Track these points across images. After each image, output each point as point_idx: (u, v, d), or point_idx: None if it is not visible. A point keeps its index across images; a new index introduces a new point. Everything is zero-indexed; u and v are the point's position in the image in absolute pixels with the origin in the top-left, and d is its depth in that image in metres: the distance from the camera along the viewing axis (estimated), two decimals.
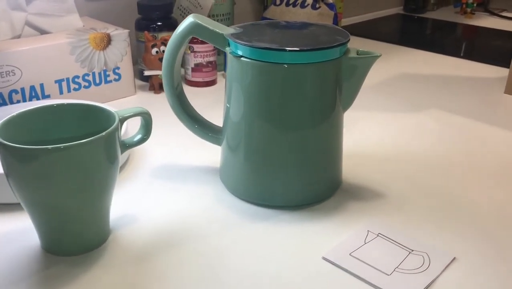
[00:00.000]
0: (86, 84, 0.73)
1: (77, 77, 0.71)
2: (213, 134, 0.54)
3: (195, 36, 0.50)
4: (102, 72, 0.74)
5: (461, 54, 1.02)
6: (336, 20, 0.86)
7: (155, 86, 0.80)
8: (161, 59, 0.77)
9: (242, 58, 0.47)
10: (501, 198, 0.53)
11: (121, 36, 0.74)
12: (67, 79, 0.70)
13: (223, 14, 0.87)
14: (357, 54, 0.49)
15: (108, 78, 0.75)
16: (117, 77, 0.76)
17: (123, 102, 0.76)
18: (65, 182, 0.38)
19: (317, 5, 0.86)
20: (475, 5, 1.37)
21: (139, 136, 0.46)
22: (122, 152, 0.44)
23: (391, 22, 1.31)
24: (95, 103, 0.45)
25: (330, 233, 0.47)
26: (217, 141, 0.54)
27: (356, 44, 1.15)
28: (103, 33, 0.72)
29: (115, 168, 0.42)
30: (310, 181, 0.50)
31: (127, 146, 0.45)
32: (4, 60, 0.64)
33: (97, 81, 0.74)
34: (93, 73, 0.73)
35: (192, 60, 0.81)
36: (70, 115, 0.44)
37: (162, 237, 0.46)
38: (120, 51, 0.75)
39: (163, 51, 0.77)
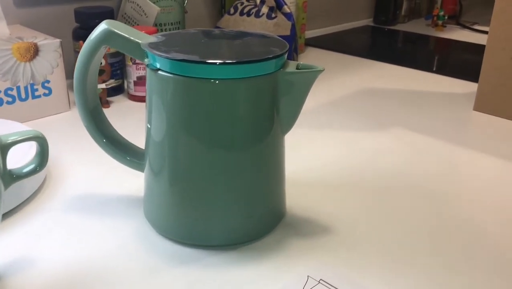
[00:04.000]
0: (9, 99, 0.64)
1: None
2: (133, 159, 0.47)
3: (109, 45, 0.43)
4: (28, 86, 0.66)
5: (432, 69, 0.97)
6: (294, 31, 0.80)
7: None
8: (101, 71, 0.70)
9: (159, 72, 0.40)
10: (471, 231, 0.46)
11: (51, 46, 0.66)
12: None
13: (171, 23, 0.80)
14: (297, 69, 0.42)
15: (36, 93, 0.67)
16: (47, 91, 0.68)
17: (54, 119, 0.68)
18: None
19: (273, 15, 0.79)
20: (446, 17, 1.33)
21: (31, 166, 0.38)
22: (7, 185, 0.37)
23: (360, 34, 1.25)
24: None
25: (265, 279, 0.40)
26: (139, 167, 0.47)
27: (320, 57, 1.11)
28: (29, 43, 0.65)
29: None
30: (245, 214, 0.43)
31: (14, 177, 0.37)
32: None
33: (23, 96, 0.66)
34: (18, 88, 0.65)
35: (134, 73, 0.74)
36: None
37: (62, 286, 0.38)
38: (50, 62, 0.67)
39: (100, 63, 0.70)
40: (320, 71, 0.42)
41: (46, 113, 0.68)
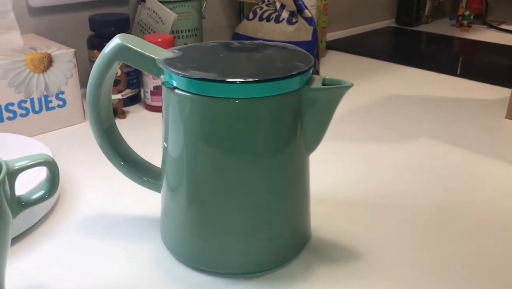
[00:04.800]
0: (23, 112, 0.63)
1: (12, 104, 0.61)
2: (149, 179, 0.44)
3: (122, 61, 0.41)
4: (42, 98, 0.64)
5: (457, 72, 0.93)
6: (315, 36, 0.77)
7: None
8: (116, 81, 0.68)
9: (176, 90, 0.37)
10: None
11: (65, 56, 0.64)
12: None
13: (188, 30, 0.78)
14: (323, 84, 0.39)
15: (50, 105, 0.65)
16: (61, 103, 0.66)
17: (69, 130, 0.66)
18: None
19: (294, 20, 0.76)
20: (472, 17, 1.28)
21: (40, 193, 0.36)
22: (16, 213, 0.34)
23: (381, 36, 1.22)
24: None
25: None
26: (155, 188, 0.44)
27: (341, 61, 1.07)
28: (43, 54, 0.63)
29: (2, 231, 0.32)
30: (267, 238, 0.40)
31: (23, 204, 0.35)
32: None
33: (37, 108, 0.64)
34: (31, 100, 0.63)
35: (151, 83, 0.71)
36: None
37: None
38: (64, 73, 0.65)
39: (116, 73, 0.68)
40: (348, 87, 0.39)
41: (61, 125, 0.66)
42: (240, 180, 0.38)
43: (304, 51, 0.42)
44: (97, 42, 0.72)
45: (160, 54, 0.40)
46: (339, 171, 0.57)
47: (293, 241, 0.42)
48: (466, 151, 0.62)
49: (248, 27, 0.79)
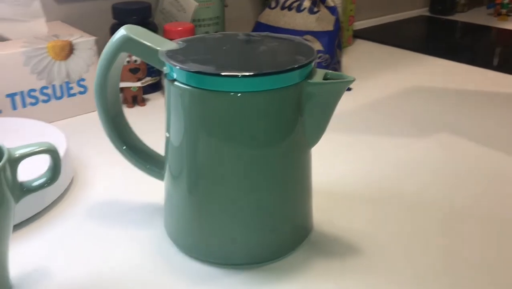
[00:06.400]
0: (45, 98, 0.65)
1: (33, 90, 0.63)
2: (152, 167, 0.45)
3: (128, 52, 0.41)
4: (64, 85, 0.66)
5: (494, 65, 0.89)
6: (337, 26, 0.76)
7: (127, 99, 0.71)
8: (132, 70, 0.69)
9: (176, 82, 0.38)
10: None
11: (86, 44, 0.66)
12: (21, 93, 0.63)
13: (210, 19, 0.78)
14: (325, 78, 0.38)
15: (72, 91, 0.67)
16: (82, 89, 0.67)
17: (89, 117, 0.68)
18: None
19: (315, 9, 0.75)
20: (510, 5, 1.23)
21: (42, 180, 0.37)
22: (17, 198, 0.36)
23: (414, 25, 1.18)
24: None
25: None
26: (159, 176, 0.45)
27: (368, 50, 1.05)
28: (64, 41, 0.64)
29: (3, 216, 0.34)
30: (266, 229, 0.40)
31: (24, 190, 0.36)
32: None
33: (58, 94, 0.66)
34: (53, 86, 0.65)
35: None
36: None
37: None
38: (85, 61, 0.66)
39: (135, 60, 0.69)
40: (350, 81, 0.38)
41: (81, 112, 0.68)
42: (238, 172, 0.38)
43: (309, 44, 0.41)
44: None
45: (165, 45, 0.41)
46: (349, 164, 0.56)
47: (292, 233, 0.42)
48: (488, 149, 0.60)
49: (270, 16, 0.79)
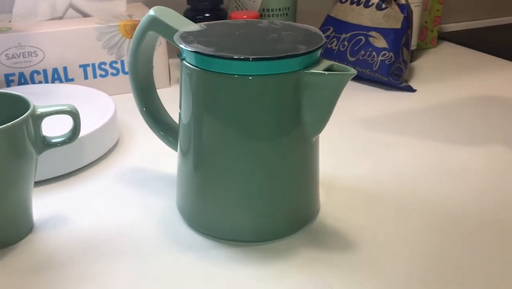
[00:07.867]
0: (114, 71, 0.71)
1: (104, 63, 0.70)
2: (166, 135, 0.49)
3: (154, 32, 0.45)
4: None
5: None
6: (405, 24, 0.73)
7: None
8: None
9: (184, 62, 0.40)
10: None
11: None
12: (93, 65, 0.70)
13: (279, 9, 0.79)
14: (328, 70, 0.39)
15: None
16: None
17: None
18: None
19: (383, 6, 0.74)
20: None
21: (62, 138, 0.42)
22: (40, 150, 0.41)
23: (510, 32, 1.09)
24: (15, 92, 0.42)
25: (259, 282, 0.39)
26: (172, 145, 0.49)
27: (452, 53, 0.99)
28: (135, 21, 0.70)
29: (25, 164, 0.39)
30: (261, 211, 0.42)
31: (45, 144, 0.41)
32: (27, 41, 0.65)
33: (126, 69, 0.72)
34: (122, 62, 0.71)
35: None
36: None
37: (79, 247, 0.42)
38: None
39: None
40: (350, 75, 0.38)
41: None
42: (238, 153, 0.40)
43: (321, 33, 0.42)
44: (192, 16, 0.77)
45: (187, 27, 0.44)
46: (382, 164, 0.55)
47: (287, 220, 0.43)
48: None
49: (340, 10, 0.79)
